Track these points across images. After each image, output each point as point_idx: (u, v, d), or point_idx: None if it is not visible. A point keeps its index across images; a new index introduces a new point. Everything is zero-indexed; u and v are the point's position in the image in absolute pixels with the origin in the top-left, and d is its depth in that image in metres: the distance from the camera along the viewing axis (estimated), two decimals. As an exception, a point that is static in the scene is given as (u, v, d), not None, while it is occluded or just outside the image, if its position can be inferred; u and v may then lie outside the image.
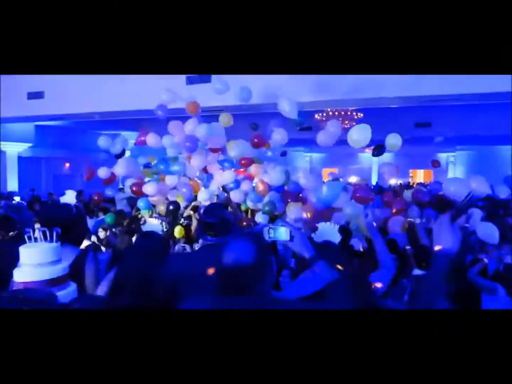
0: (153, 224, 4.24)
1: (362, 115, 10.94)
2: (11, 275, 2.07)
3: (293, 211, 4.12)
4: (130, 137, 15.46)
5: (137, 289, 2.21)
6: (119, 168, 5.01)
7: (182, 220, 4.55)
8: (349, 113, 10.78)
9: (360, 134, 4.20)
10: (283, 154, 5.62)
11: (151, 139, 5.04)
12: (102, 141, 5.34)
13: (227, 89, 4.80)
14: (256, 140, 4.77)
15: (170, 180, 5.05)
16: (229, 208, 4.58)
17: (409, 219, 4.07)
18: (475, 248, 3.68)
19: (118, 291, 2.07)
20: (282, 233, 1.55)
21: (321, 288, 1.47)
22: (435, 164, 9.50)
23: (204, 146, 5.03)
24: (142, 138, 5.17)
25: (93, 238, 4.27)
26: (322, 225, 3.41)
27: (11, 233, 3.24)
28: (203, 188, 5.19)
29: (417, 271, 3.07)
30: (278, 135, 4.90)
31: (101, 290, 1.89)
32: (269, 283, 1.38)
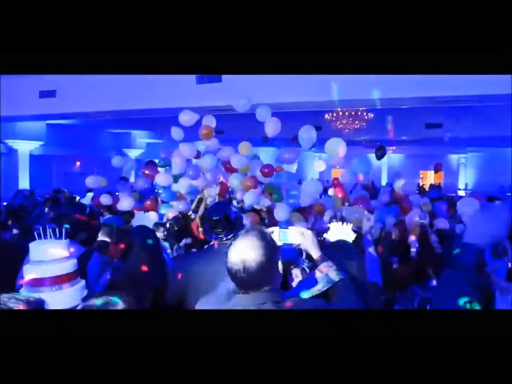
0: (142, 217, 4.25)
1: (372, 115, 10.88)
2: (19, 271, 2.09)
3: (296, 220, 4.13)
4: (139, 136, 15.57)
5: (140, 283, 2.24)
6: (125, 202, 5.04)
7: (191, 213, 4.58)
8: (359, 113, 10.72)
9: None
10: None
11: (160, 178, 4.99)
12: (116, 160, 5.41)
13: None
14: (266, 170, 4.69)
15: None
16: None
17: (420, 221, 4.02)
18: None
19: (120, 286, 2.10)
20: (292, 236, 1.56)
21: (329, 287, 1.47)
22: (438, 168, 9.31)
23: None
24: (147, 172, 5.15)
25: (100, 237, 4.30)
26: (333, 225, 3.38)
27: (22, 224, 3.28)
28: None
29: (435, 282, 3.01)
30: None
31: None
32: (276, 282, 1.38)
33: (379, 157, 5.10)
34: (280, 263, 1.40)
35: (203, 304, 1.49)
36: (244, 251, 1.30)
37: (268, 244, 1.34)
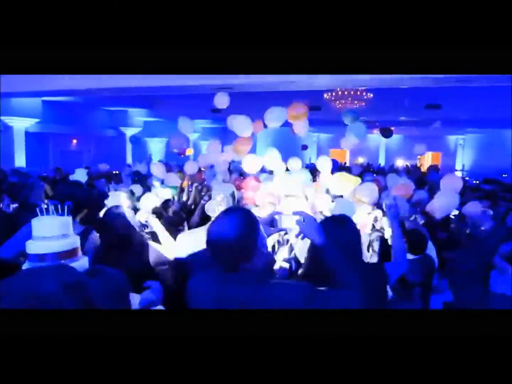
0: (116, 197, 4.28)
1: (371, 95, 10.78)
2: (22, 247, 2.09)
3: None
4: (136, 114, 15.40)
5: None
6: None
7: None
8: (358, 93, 10.62)
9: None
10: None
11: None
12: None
13: None
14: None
15: None
16: None
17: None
18: None
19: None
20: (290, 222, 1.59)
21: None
22: None
23: None
24: None
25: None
26: (339, 200, 3.49)
27: (19, 200, 3.27)
28: None
29: (409, 256, 3.08)
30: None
31: None
32: (257, 262, 1.38)
33: (386, 137, 5.16)
34: (264, 240, 1.43)
35: (196, 281, 1.53)
36: (222, 226, 1.34)
37: (247, 221, 1.36)
